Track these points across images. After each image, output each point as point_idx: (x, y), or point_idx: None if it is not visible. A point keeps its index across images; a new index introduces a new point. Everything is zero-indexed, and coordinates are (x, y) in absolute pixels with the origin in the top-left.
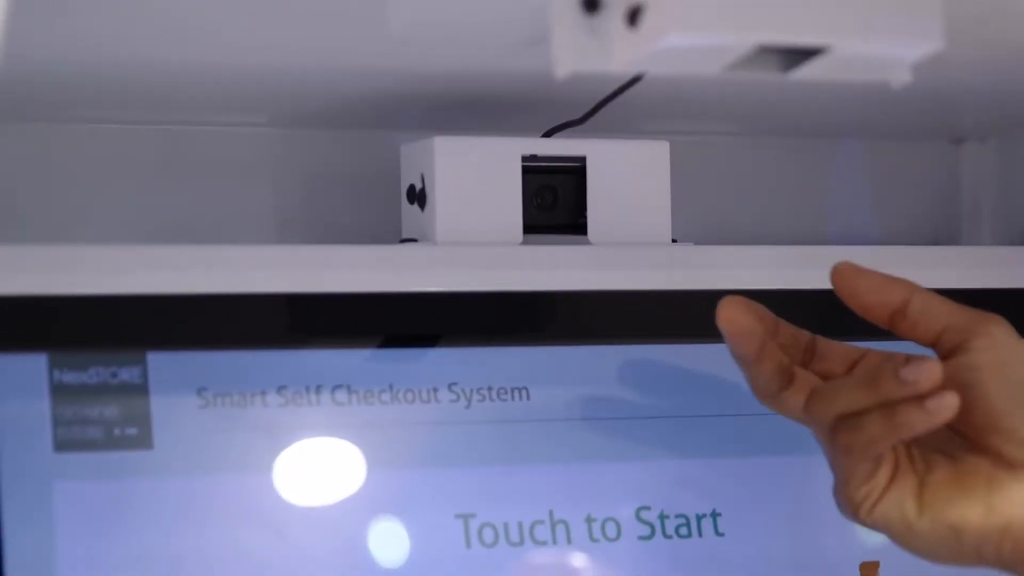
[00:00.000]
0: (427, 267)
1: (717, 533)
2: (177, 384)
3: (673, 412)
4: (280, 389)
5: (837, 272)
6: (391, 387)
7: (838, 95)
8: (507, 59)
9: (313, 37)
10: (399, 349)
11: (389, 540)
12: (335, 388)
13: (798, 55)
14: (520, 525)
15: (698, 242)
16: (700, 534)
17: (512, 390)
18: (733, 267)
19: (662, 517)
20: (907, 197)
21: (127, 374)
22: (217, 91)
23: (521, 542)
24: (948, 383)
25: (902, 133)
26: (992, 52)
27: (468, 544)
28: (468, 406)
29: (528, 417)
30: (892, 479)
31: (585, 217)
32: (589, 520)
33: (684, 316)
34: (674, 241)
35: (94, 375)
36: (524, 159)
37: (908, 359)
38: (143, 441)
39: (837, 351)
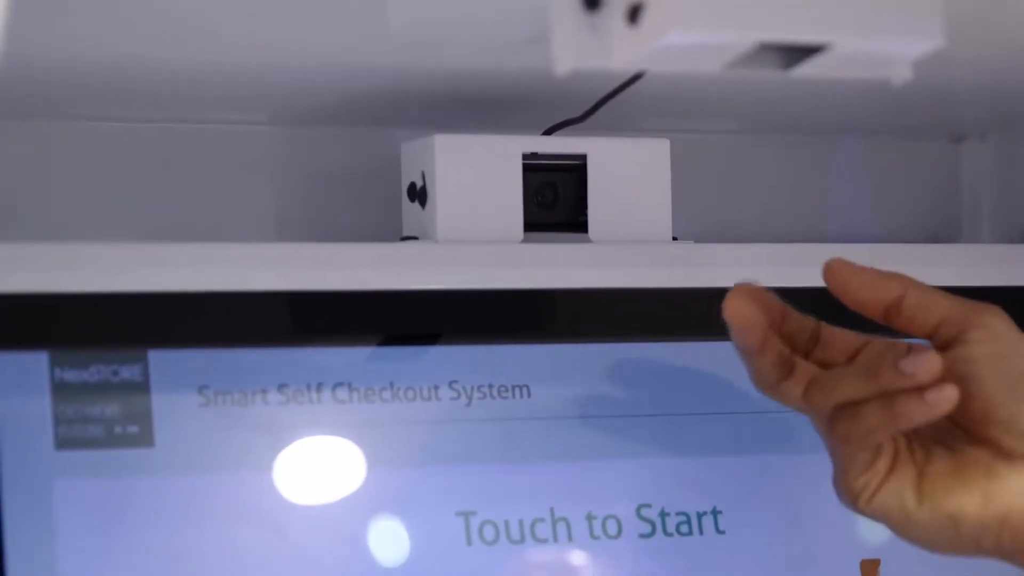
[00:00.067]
0: (428, 265)
1: (718, 531)
2: (178, 382)
3: (674, 410)
4: (281, 387)
5: (829, 269)
6: (392, 385)
7: (838, 93)
8: (508, 57)
9: (313, 35)
10: (400, 347)
11: (390, 538)
12: (336, 386)
13: (799, 53)
14: (521, 523)
15: (698, 240)
16: (701, 532)
17: (513, 388)
18: (733, 265)
19: (663, 515)
20: (907, 195)
21: (128, 372)
22: (217, 89)
23: (522, 540)
24: (946, 375)
25: (902, 131)
26: (992, 50)
27: (469, 542)
28: (469, 404)
29: (529, 415)
30: (891, 469)
31: (586, 215)
32: (590, 518)
33: (684, 314)
34: (674, 239)
35: (95, 373)
36: (525, 157)
37: (909, 349)
38: (144, 439)
39: (840, 339)
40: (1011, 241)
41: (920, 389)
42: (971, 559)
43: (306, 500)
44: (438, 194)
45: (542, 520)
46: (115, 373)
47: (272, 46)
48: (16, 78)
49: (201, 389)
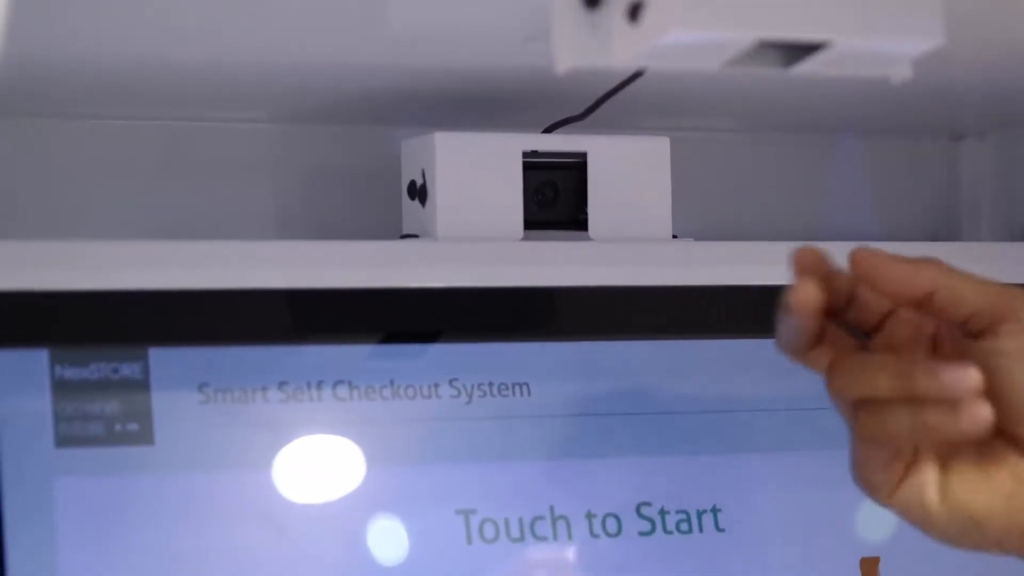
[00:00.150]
0: (428, 263)
1: (718, 529)
2: (178, 380)
3: (673, 408)
4: (281, 385)
5: (856, 260)
6: (392, 383)
7: (838, 91)
8: (508, 55)
9: (313, 34)
10: (400, 345)
11: (390, 536)
12: (336, 384)
13: (799, 50)
14: (521, 521)
15: (698, 238)
16: (701, 530)
17: (513, 386)
18: (733, 263)
19: (663, 513)
20: (907, 193)
21: (128, 370)
22: (218, 88)
23: (522, 538)
24: (975, 366)
25: (902, 129)
26: (992, 49)
27: (469, 540)
28: (469, 402)
29: (529, 413)
30: (912, 464)
31: (586, 213)
32: (590, 516)
33: (685, 312)
34: (674, 237)
35: (95, 371)
36: (525, 155)
37: (937, 340)
38: (144, 437)
39: (873, 302)
40: (1010, 239)
41: (953, 401)
42: (973, 555)
43: (306, 498)
44: (438, 192)
45: (542, 518)
46: (115, 371)
47: (272, 45)
48: (16, 77)
49: (201, 387)
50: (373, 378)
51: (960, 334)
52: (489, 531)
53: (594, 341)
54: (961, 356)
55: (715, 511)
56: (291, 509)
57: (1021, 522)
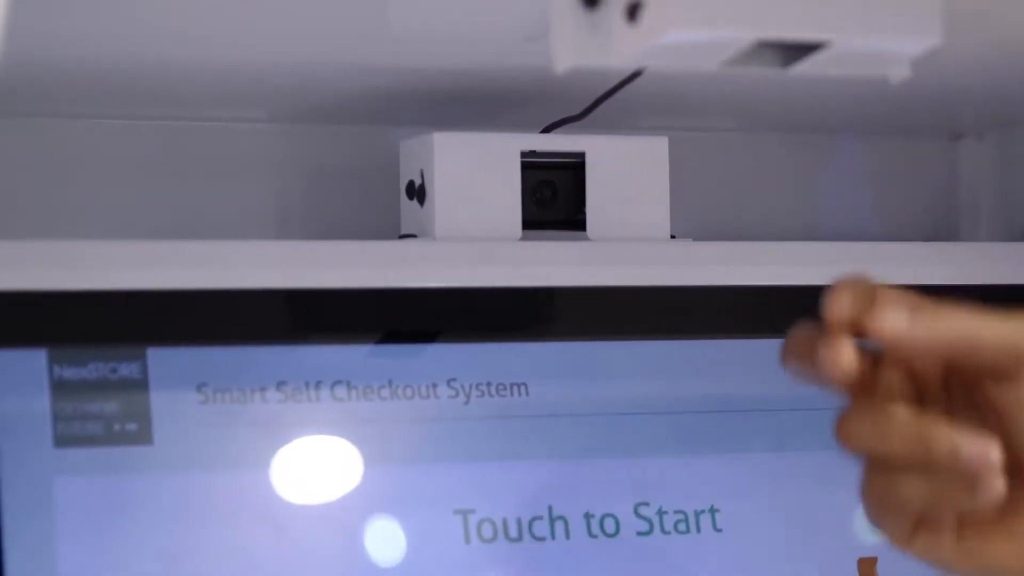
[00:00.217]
0: (426, 263)
1: (715, 529)
2: (177, 380)
3: (671, 408)
4: (279, 385)
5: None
6: (390, 383)
7: (837, 91)
8: (506, 55)
9: (313, 33)
10: (398, 345)
11: (388, 536)
12: (334, 384)
13: (797, 50)
14: (519, 521)
15: (697, 238)
16: (698, 530)
17: (511, 386)
18: (732, 263)
19: (660, 513)
20: (905, 193)
21: (127, 370)
22: (217, 87)
23: (520, 538)
24: (991, 412)
25: (901, 129)
26: (991, 49)
27: (467, 540)
28: (467, 402)
29: (527, 413)
30: (926, 512)
31: (584, 213)
32: (588, 516)
33: (683, 312)
34: (673, 237)
35: (94, 371)
36: (523, 155)
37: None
38: (143, 437)
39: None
40: (1009, 239)
41: (971, 474)
42: None
43: (304, 498)
44: (436, 192)
45: (540, 518)
46: (114, 371)
47: (271, 45)
48: (16, 75)
49: (200, 387)
50: (371, 378)
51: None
52: (487, 531)
53: (592, 341)
54: (978, 397)
55: (713, 511)
56: (290, 509)
57: None
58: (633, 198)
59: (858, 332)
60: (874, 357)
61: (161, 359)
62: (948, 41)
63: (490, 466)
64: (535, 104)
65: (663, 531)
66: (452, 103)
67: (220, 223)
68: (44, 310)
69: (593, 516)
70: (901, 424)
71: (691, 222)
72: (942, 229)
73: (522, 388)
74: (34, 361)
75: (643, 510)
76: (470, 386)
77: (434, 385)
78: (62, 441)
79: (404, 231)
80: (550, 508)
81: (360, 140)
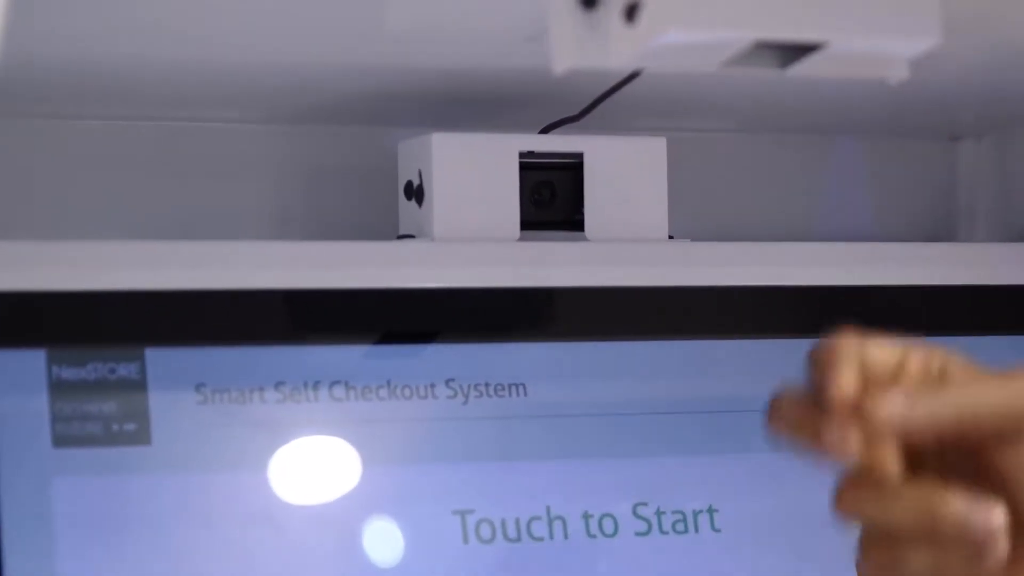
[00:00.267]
0: (424, 263)
1: (714, 529)
2: (175, 380)
3: (669, 408)
4: (278, 385)
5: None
6: (389, 383)
7: (835, 92)
8: (505, 56)
9: (311, 34)
10: (397, 345)
11: (387, 536)
12: (333, 384)
13: (795, 51)
14: (517, 521)
15: (695, 238)
16: (697, 530)
17: (509, 386)
18: (729, 264)
19: (659, 513)
20: (904, 194)
21: (125, 370)
22: (215, 88)
23: (518, 538)
24: (991, 472)
25: (899, 130)
26: (989, 50)
27: (466, 540)
28: (465, 402)
29: (525, 413)
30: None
31: (582, 213)
32: (586, 516)
33: (681, 312)
34: (671, 237)
35: (92, 371)
36: (521, 155)
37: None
38: (141, 437)
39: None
40: (1007, 240)
41: (977, 541)
42: None
43: (303, 498)
44: (435, 192)
45: (538, 518)
46: (112, 371)
47: (270, 44)
48: (14, 76)
49: (198, 387)
50: (370, 378)
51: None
52: (486, 531)
53: (590, 341)
54: (977, 458)
55: (711, 511)
56: (288, 509)
57: None
58: (631, 199)
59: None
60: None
61: (159, 359)
62: (946, 42)
63: (489, 466)
64: (533, 105)
65: (661, 531)
66: (451, 104)
67: (219, 223)
68: (43, 310)
69: (592, 516)
70: (905, 495)
71: (689, 223)
72: (940, 230)
73: (520, 388)
74: (33, 361)
75: (641, 510)
76: (468, 386)
77: (432, 385)
78: (61, 441)
79: (402, 231)
80: (548, 508)
81: (359, 140)
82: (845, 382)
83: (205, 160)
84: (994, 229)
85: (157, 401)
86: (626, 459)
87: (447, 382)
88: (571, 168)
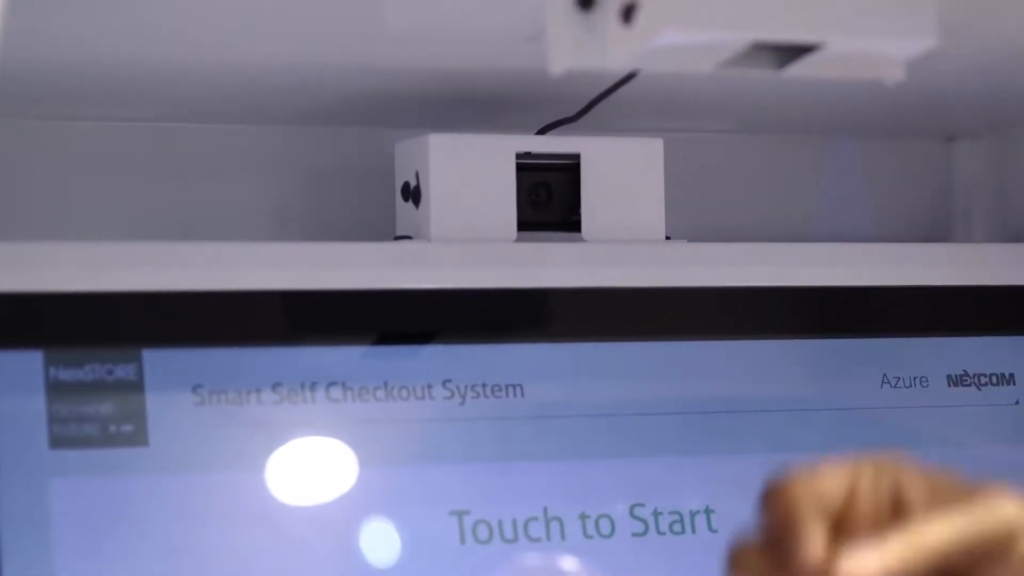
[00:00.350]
0: (421, 264)
1: (710, 529)
2: (172, 381)
3: (666, 409)
4: (275, 386)
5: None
6: (386, 384)
7: (832, 93)
8: (502, 56)
9: (309, 34)
10: (394, 346)
11: (384, 537)
12: (330, 385)
13: (792, 52)
14: (514, 522)
15: (691, 239)
16: (693, 531)
17: (506, 387)
18: (726, 264)
19: (656, 514)
20: (900, 194)
21: (123, 371)
22: (213, 89)
23: (515, 539)
24: None
25: (895, 131)
26: (985, 50)
27: (463, 541)
28: (462, 403)
29: (522, 414)
30: None
31: (579, 214)
32: (583, 517)
33: (678, 313)
34: (668, 238)
35: (90, 372)
36: (518, 156)
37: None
38: (139, 438)
39: None
40: (1003, 240)
41: None
42: None
43: (300, 499)
44: (432, 193)
45: (535, 519)
46: (110, 372)
47: (268, 45)
48: (12, 77)
49: (195, 388)
50: (367, 379)
51: None
52: (483, 532)
53: (587, 342)
54: None
55: (708, 512)
56: (285, 510)
57: None
58: (628, 199)
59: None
60: None
61: (157, 360)
62: (943, 43)
63: (486, 467)
64: (530, 106)
65: (658, 532)
66: (447, 105)
67: (216, 224)
68: (40, 312)
69: (588, 517)
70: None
71: (686, 223)
72: (937, 230)
73: (517, 389)
74: (31, 363)
75: (638, 511)
76: (465, 387)
77: (429, 386)
78: (58, 442)
79: (399, 232)
80: (545, 509)
81: (356, 141)
82: (812, 545)
83: (202, 161)
84: (991, 229)
85: (154, 402)
86: (623, 460)
87: (444, 383)
88: (568, 169)
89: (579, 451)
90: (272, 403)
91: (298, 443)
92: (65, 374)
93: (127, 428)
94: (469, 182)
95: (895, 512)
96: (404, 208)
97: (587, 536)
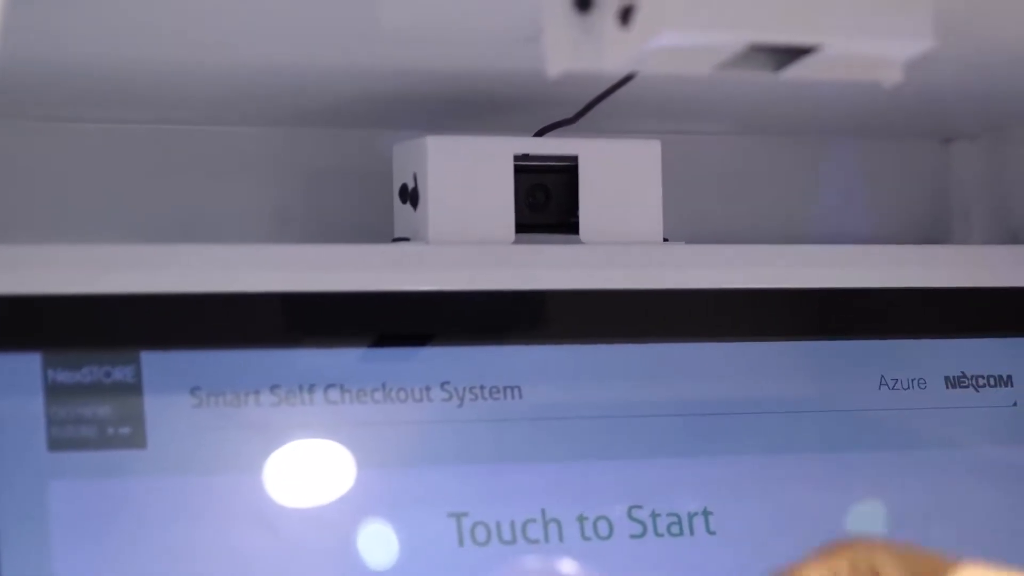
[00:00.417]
0: (419, 266)
1: (709, 531)
2: (170, 383)
3: (665, 411)
4: (273, 388)
5: None
6: (384, 386)
7: (829, 94)
8: (499, 58)
9: (307, 35)
10: (391, 348)
11: (381, 539)
12: (328, 387)
13: (789, 54)
14: (512, 524)
15: (690, 241)
16: (692, 532)
17: (504, 389)
18: (725, 266)
19: (654, 515)
20: (897, 196)
21: (121, 373)
22: (211, 91)
23: (513, 541)
24: None
25: (893, 132)
26: (983, 52)
27: (461, 543)
28: (460, 405)
29: (520, 416)
30: None
31: (577, 216)
32: (581, 519)
33: (676, 315)
34: (665, 240)
35: (88, 374)
36: (516, 158)
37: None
38: (137, 440)
39: None
40: (1001, 242)
41: None
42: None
43: (298, 501)
44: (429, 196)
45: (534, 521)
46: (108, 374)
47: (266, 47)
48: (11, 77)
49: (193, 390)
50: (365, 381)
51: None
52: (481, 534)
53: (586, 344)
54: None
55: (706, 514)
56: (284, 512)
57: None
58: (626, 201)
59: None
60: None
61: (155, 362)
62: (940, 44)
63: (484, 469)
64: (528, 108)
65: (656, 534)
66: (445, 106)
67: (214, 226)
68: (38, 314)
69: (587, 519)
70: None
71: (684, 225)
72: (934, 232)
73: (515, 391)
74: (28, 365)
75: (637, 513)
76: (463, 389)
77: (427, 388)
78: (56, 445)
79: (397, 235)
80: (543, 511)
81: (354, 143)
82: None
83: (200, 163)
84: (988, 231)
85: (152, 404)
86: (621, 461)
87: (442, 385)
88: (566, 171)
89: (577, 453)
90: (270, 405)
91: (296, 445)
92: (63, 376)
93: (125, 430)
94: (467, 184)
95: None
96: (402, 210)
97: (585, 538)
